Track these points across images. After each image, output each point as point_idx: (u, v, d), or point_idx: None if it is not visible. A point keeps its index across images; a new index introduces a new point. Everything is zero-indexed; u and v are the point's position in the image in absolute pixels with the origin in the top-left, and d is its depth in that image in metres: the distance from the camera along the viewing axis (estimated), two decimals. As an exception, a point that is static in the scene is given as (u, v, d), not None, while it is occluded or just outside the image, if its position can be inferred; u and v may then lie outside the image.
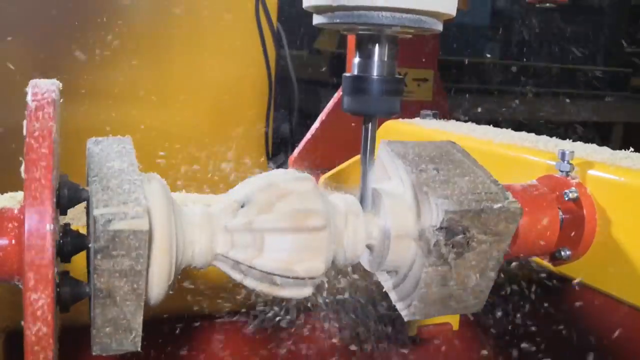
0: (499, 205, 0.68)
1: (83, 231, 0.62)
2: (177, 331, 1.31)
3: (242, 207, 0.67)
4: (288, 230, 0.66)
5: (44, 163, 0.51)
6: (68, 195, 0.60)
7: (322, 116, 1.67)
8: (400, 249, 0.70)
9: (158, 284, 0.62)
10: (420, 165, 0.71)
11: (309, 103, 2.50)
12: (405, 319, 0.73)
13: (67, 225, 0.61)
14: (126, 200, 0.56)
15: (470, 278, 0.70)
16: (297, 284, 0.67)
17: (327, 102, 1.69)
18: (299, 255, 0.66)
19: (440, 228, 0.66)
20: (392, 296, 0.76)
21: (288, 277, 0.66)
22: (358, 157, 0.78)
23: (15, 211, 0.58)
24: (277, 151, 2.40)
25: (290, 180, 0.69)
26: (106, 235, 0.54)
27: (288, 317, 1.35)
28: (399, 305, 0.75)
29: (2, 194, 1.11)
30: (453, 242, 0.67)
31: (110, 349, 0.59)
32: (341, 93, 0.86)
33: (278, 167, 2.29)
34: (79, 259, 0.63)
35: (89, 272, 0.60)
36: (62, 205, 0.60)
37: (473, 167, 0.74)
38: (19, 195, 1.10)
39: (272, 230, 0.65)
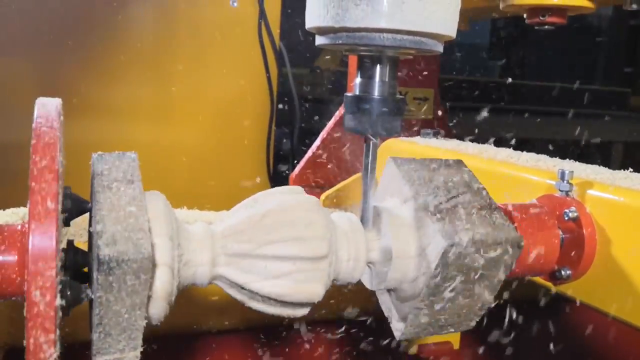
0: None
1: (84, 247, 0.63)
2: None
3: (244, 231, 0.67)
4: (290, 258, 0.66)
5: (49, 180, 0.52)
6: (71, 207, 0.61)
7: (323, 134, 1.67)
8: (401, 268, 0.71)
9: (159, 304, 0.62)
10: None
11: (310, 121, 2.51)
12: (397, 338, 0.74)
13: (70, 242, 0.62)
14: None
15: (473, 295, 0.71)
16: (294, 306, 0.68)
17: (329, 120, 1.70)
18: (299, 282, 0.67)
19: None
20: (392, 314, 0.76)
21: (286, 302, 0.67)
22: (359, 175, 0.78)
23: (19, 228, 0.59)
24: (279, 168, 2.40)
25: (296, 205, 0.69)
26: None
27: (286, 332, 1.35)
28: (395, 324, 0.75)
29: (3, 210, 1.11)
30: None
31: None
32: (343, 112, 0.87)
33: (279, 184, 2.29)
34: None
35: (90, 278, 0.61)
36: (66, 217, 0.61)
37: None
38: (21, 211, 1.10)
39: (274, 257, 0.66)
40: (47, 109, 0.57)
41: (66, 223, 0.62)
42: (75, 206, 0.62)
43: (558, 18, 1.12)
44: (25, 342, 0.53)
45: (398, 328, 0.74)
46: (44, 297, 0.53)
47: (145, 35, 2.12)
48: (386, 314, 0.78)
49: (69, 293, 0.57)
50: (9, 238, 0.58)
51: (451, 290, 0.69)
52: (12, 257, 0.57)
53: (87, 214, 0.64)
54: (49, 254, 0.52)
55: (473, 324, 0.74)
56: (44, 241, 0.52)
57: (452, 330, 0.74)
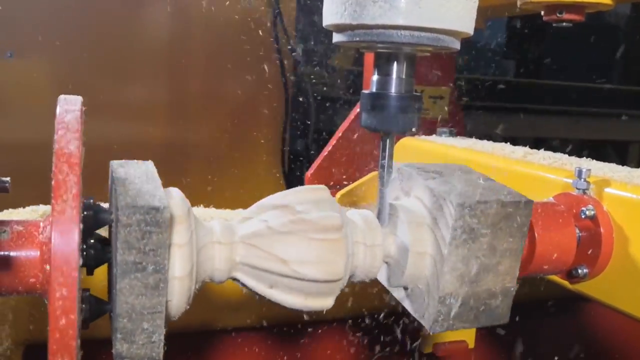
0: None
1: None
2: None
3: (263, 243, 0.68)
4: (306, 279, 0.67)
5: (73, 177, 0.53)
6: (93, 217, 0.61)
7: (338, 132, 1.67)
8: (418, 264, 0.71)
9: (178, 301, 0.63)
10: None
11: (325, 120, 2.52)
12: (431, 332, 0.73)
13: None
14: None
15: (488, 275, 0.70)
16: (318, 292, 0.68)
17: (343, 119, 1.70)
18: (312, 296, 0.68)
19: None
20: (411, 310, 0.76)
21: (309, 281, 0.67)
22: (374, 173, 0.78)
23: (41, 224, 0.59)
24: (294, 167, 2.41)
25: (319, 222, 0.69)
26: None
27: (302, 330, 1.35)
28: (419, 317, 0.75)
29: (23, 207, 1.13)
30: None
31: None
32: (358, 110, 0.87)
33: (294, 183, 2.30)
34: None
35: (109, 290, 0.61)
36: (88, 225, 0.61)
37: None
38: (41, 208, 1.12)
39: (290, 276, 0.67)
40: (69, 105, 0.58)
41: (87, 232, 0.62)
42: (95, 218, 0.62)
43: (575, 15, 1.11)
44: (47, 338, 0.54)
45: (426, 320, 0.74)
46: (66, 294, 0.53)
47: (161, 34, 2.14)
48: (412, 312, 0.77)
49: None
50: (31, 234, 0.59)
51: (474, 258, 0.69)
52: (34, 254, 0.58)
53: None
54: (72, 251, 0.53)
55: (506, 317, 0.73)
56: (67, 238, 0.53)
57: (484, 320, 0.73)
